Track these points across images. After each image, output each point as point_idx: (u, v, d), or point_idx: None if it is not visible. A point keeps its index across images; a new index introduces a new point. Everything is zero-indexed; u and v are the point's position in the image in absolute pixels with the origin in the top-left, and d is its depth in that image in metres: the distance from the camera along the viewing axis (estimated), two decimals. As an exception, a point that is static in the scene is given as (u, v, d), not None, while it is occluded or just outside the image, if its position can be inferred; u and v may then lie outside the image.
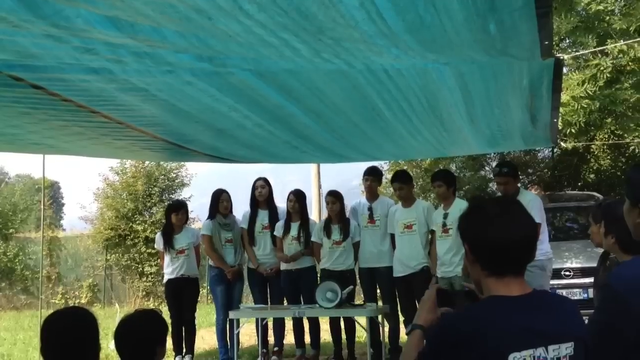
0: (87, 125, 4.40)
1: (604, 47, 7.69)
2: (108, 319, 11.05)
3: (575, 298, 7.98)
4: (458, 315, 1.95)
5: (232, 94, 3.80)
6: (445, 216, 6.62)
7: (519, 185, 6.69)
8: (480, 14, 2.37)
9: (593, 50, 7.83)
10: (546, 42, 2.59)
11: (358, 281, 7.64)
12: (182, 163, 18.22)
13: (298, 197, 7.46)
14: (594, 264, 4.46)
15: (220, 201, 7.53)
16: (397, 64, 3.21)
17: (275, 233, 7.44)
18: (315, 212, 15.56)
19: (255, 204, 7.60)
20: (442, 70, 3.45)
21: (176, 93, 3.66)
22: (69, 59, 2.85)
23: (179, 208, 7.77)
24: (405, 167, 12.94)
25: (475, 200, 2.03)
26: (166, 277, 7.65)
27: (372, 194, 7.37)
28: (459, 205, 6.68)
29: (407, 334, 2.12)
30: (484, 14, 2.38)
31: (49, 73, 3.03)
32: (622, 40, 7.77)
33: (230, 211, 7.66)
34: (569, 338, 1.84)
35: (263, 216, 7.56)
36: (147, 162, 17.74)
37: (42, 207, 10.82)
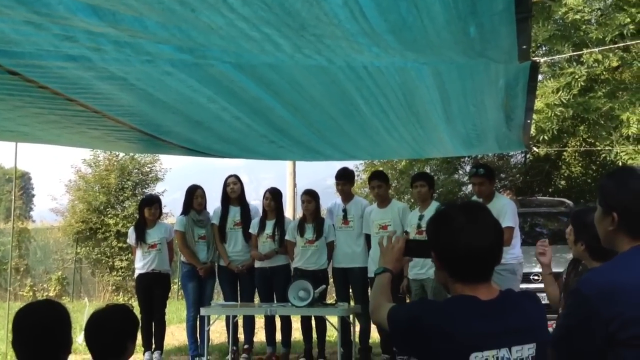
0: (63, 113, 4.35)
1: (580, 53, 7.82)
2: (77, 313, 10.91)
3: (544, 302, 8.09)
4: (430, 307, 2.00)
5: (211, 86, 3.79)
6: (421, 218, 6.66)
7: (494, 189, 6.75)
8: (462, 17, 2.41)
9: (567, 54, 7.96)
10: (524, 47, 2.63)
11: (330, 280, 7.66)
12: (157, 157, 18.11)
13: (274, 195, 7.46)
14: (563, 269, 4.50)
15: (194, 197, 7.50)
16: (377, 62, 3.24)
17: (250, 230, 7.42)
18: (290, 210, 15.52)
19: (226, 200, 7.58)
20: (420, 68, 3.48)
21: (155, 83, 3.64)
22: (48, 46, 2.82)
23: (152, 202, 7.70)
24: (381, 169, 13.02)
25: (442, 207, 2.07)
26: (137, 272, 7.58)
27: (346, 196, 7.40)
28: (436, 208, 6.74)
29: (376, 274, 2.26)
30: (464, 17, 2.41)
31: (26, 59, 3.00)
32: (597, 48, 7.91)
33: (205, 207, 7.63)
34: (531, 339, 1.90)
35: (235, 213, 7.54)
36: (120, 155, 17.58)
37: (13, 197, 10.66)
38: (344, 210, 7.25)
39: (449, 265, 1.93)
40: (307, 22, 2.45)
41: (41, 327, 2.56)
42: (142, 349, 7.36)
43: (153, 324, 7.44)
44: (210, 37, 2.71)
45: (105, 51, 2.88)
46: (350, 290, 7.40)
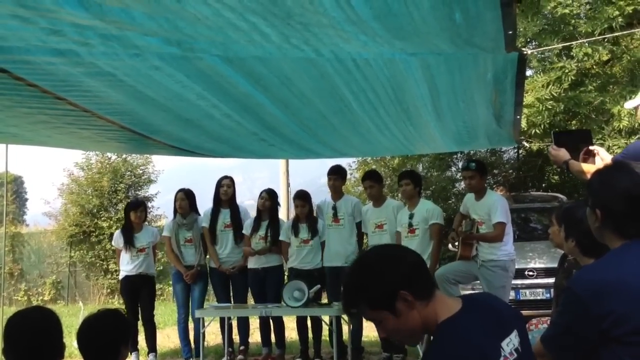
0: (52, 113, 4.33)
1: (568, 44, 7.84)
2: (72, 317, 10.91)
3: (539, 298, 8.09)
4: None
5: (201, 81, 3.77)
6: (411, 216, 6.69)
7: (486, 185, 6.77)
8: (446, 2, 2.42)
9: (556, 46, 7.99)
10: (510, 32, 2.63)
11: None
12: (149, 159, 18.07)
13: (270, 196, 7.44)
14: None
15: (175, 200, 7.51)
16: (365, 53, 3.23)
17: (243, 231, 7.41)
18: (284, 210, 15.49)
19: (218, 202, 7.58)
20: (409, 61, 3.48)
21: (143, 79, 3.62)
22: (36, 41, 2.81)
23: (138, 206, 7.76)
24: (374, 167, 13.01)
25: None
26: (123, 274, 7.61)
27: (336, 193, 7.42)
28: (425, 206, 6.76)
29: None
30: (449, 2, 2.42)
31: (14, 55, 2.98)
32: (585, 41, 7.94)
33: (194, 210, 7.61)
34: (512, 328, 1.93)
35: (225, 215, 7.53)
36: (113, 158, 17.55)
37: (5, 202, 10.63)
38: (334, 208, 7.26)
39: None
40: (293, 10, 2.45)
41: (31, 334, 2.54)
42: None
43: (141, 326, 7.47)
44: (197, 28, 2.70)
45: (92, 45, 2.87)
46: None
